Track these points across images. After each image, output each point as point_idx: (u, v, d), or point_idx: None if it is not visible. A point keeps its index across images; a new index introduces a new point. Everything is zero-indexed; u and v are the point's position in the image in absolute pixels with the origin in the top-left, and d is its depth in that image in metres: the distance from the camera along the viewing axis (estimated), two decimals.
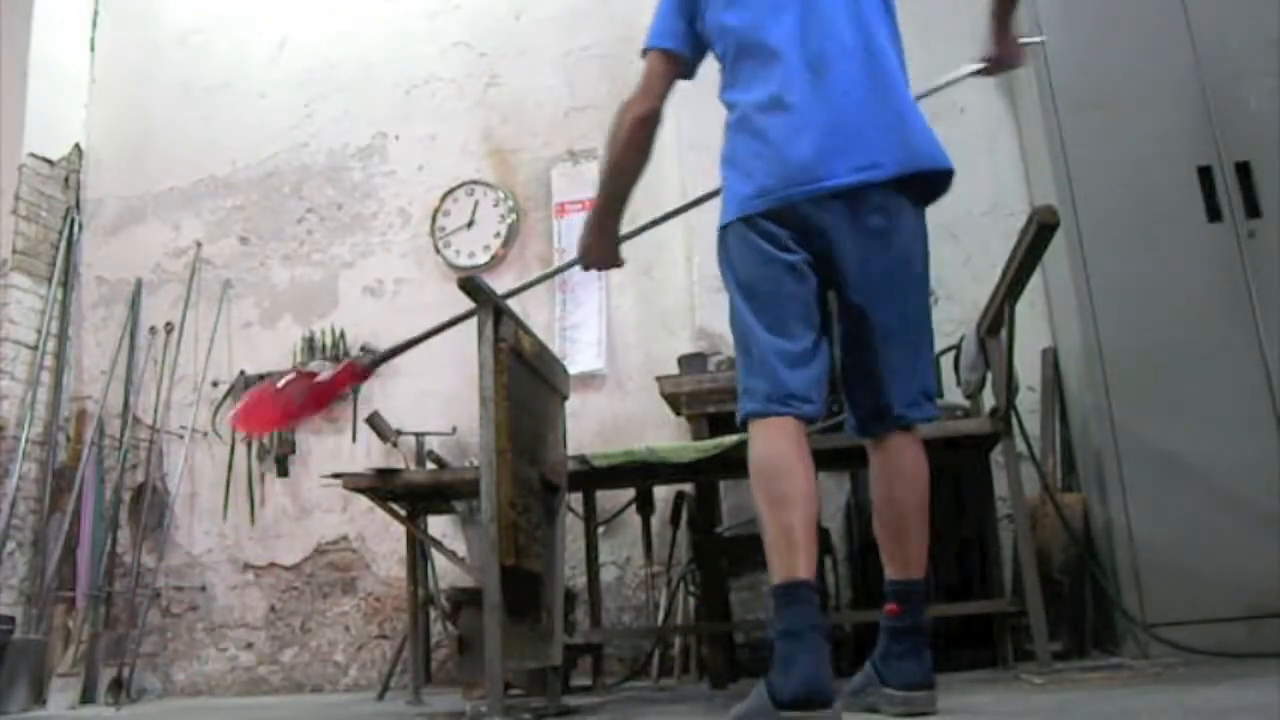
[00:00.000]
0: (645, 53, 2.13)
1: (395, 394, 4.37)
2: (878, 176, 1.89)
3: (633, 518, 3.73)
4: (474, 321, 2.35)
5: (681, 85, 2.17)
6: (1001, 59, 2.26)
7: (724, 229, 1.99)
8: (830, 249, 1.92)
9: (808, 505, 1.81)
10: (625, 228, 2.32)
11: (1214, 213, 2.94)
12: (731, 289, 2.00)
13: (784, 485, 1.81)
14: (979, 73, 2.31)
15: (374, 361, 2.51)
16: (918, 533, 1.96)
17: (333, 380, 2.50)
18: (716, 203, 2.06)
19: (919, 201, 1.99)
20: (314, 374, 2.50)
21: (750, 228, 1.93)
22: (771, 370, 1.90)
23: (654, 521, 3.61)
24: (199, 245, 4.87)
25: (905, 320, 1.96)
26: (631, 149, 2.11)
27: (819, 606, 1.78)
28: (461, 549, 3.69)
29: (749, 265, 1.95)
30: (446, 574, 3.84)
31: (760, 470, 1.86)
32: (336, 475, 3.24)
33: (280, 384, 2.47)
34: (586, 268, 2.42)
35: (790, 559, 1.76)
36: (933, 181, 1.98)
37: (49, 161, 4.94)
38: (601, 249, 2.33)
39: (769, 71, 1.96)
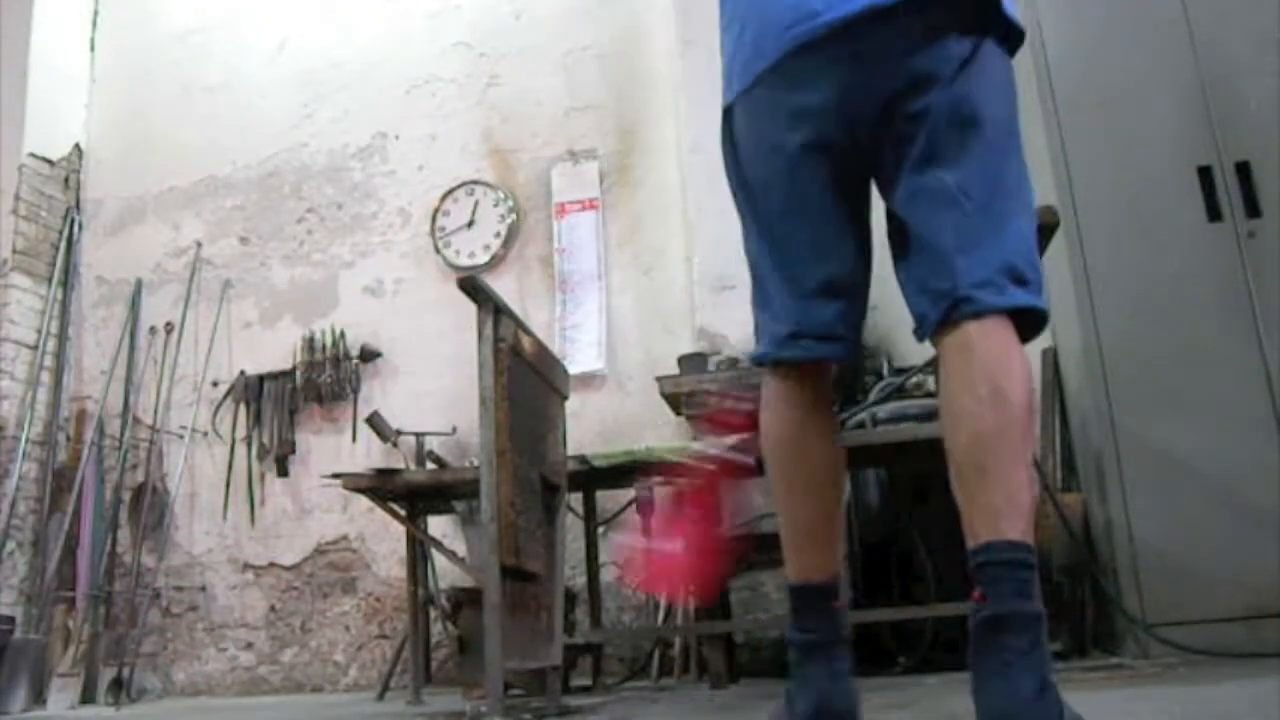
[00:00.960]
0: None
1: (395, 394, 4.38)
2: None
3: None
4: (474, 322, 2.35)
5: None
6: None
7: (724, 116, 1.54)
8: (850, 112, 1.39)
9: (825, 490, 1.47)
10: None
11: (1214, 213, 2.94)
12: (737, 196, 1.56)
13: (796, 467, 1.46)
14: None
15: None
16: (999, 470, 1.25)
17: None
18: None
19: (980, 26, 1.39)
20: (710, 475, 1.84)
21: (750, 106, 1.47)
22: (782, 301, 1.47)
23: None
24: (199, 245, 4.87)
25: (973, 181, 1.36)
26: None
27: (839, 614, 1.45)
28: (461, 549, 3.69)
29: (753, 159, 1.49)
30: (446, 574, 3.84)
31: (768, 444, 1.50)
32: (336, 475, 3.24)
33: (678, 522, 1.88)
34: None
35: (805, 557, 1.46)
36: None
37: (49, 161, 4.94)
38: None
39: None
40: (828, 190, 1.44)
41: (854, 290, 1.48)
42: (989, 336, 1.32)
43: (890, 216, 1.45)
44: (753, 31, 1.46)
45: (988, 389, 1.28)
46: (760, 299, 1.53)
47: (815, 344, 1.45)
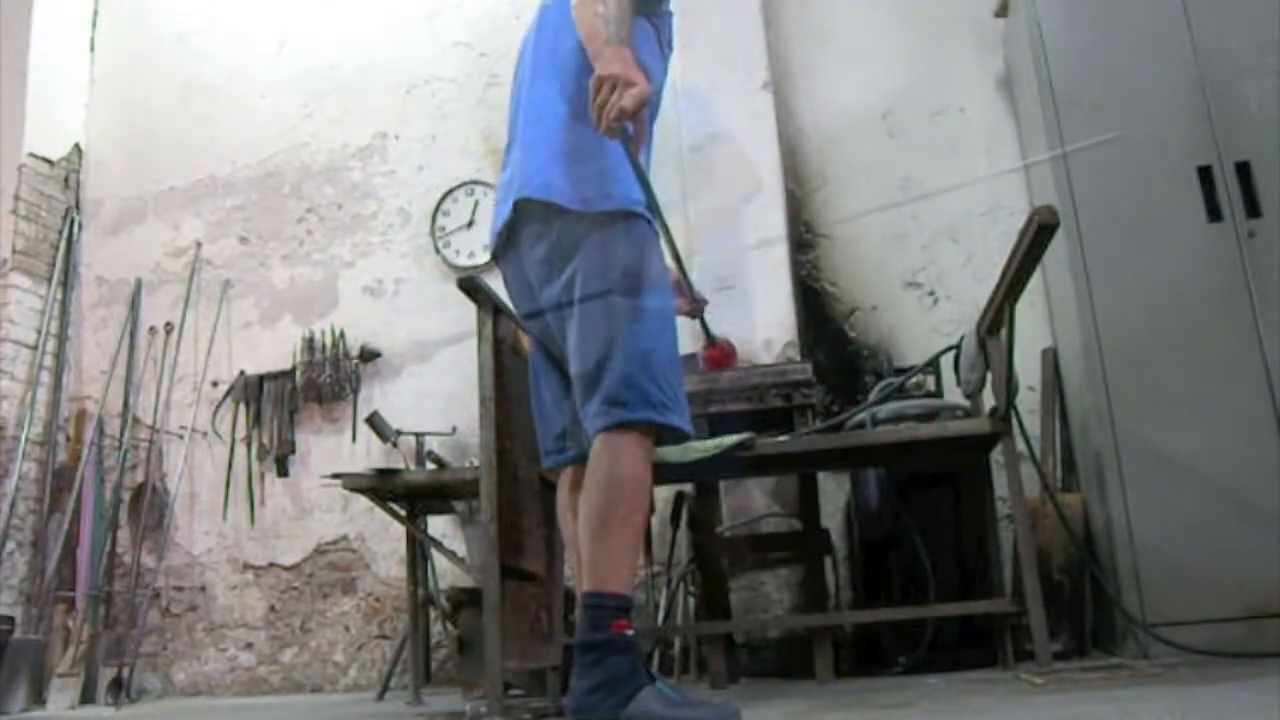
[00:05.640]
0: None
1: (395, 394, 4.38)
2: (504, 212, 2.08)
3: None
4: (474, 322, 2.35)
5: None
6: None
7: None
8: (518, 293, 2.22)
9: None
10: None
11: (1214, 213, 2.93)
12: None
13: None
14: None
15: None
16: (586, 540, 1.91)
17: None
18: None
19: (574, 227, 1.99)
20: None
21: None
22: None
23: (654, 521, 3.61)
24: (199, 245, 4.87)
25: (583, 351, 1.96)
26: None
27: None
28: (461, 549, 3.69)
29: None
30: (446, 574, 3.84)
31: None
32: (336, 475, 3.24)
33: None
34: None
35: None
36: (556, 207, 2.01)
37: (49, 161, 4.94)
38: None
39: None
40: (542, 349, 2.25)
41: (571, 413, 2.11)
42: (600, 448, 1.92)
43: None
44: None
45: (592, 483, 1.93)
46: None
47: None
